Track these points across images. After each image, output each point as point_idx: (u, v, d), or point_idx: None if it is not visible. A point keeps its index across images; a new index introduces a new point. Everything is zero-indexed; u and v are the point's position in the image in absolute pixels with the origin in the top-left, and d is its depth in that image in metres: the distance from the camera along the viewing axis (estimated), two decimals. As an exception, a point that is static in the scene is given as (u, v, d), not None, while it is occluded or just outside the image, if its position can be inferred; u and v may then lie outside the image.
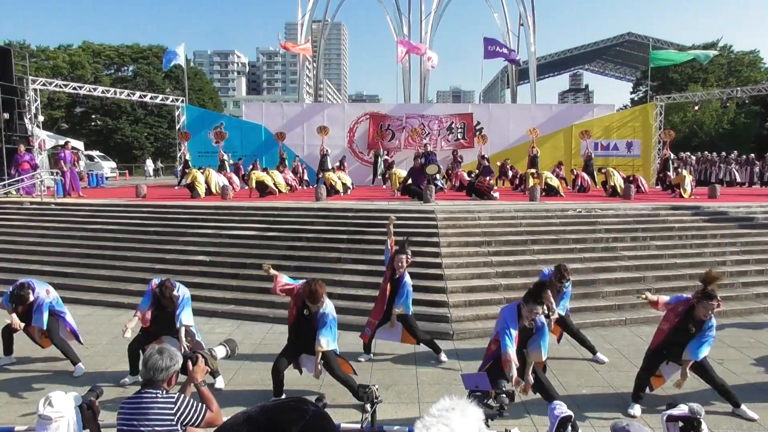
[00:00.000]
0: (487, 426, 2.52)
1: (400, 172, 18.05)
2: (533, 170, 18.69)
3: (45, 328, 6.62)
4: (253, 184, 16.91)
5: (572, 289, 7.44)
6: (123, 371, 6.58)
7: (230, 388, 6.23)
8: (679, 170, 18.01)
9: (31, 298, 6.55)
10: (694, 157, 28.07)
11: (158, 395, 3.09)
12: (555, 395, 5.19)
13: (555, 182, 17.64)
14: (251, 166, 20.08)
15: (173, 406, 3.08)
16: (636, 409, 5.65)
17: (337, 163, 21.93)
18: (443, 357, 7.15)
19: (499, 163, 21.93)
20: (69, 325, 6.96)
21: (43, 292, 6.71)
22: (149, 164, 41.05)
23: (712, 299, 5.32)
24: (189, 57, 30.53)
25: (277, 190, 17.33)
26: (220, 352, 3.57)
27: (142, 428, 3.00)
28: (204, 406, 3.26)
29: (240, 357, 7.17)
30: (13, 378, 6.57)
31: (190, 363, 3.34)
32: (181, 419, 3.08)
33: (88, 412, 3.04)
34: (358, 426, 3.64)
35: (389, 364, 7.09)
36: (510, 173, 21.47)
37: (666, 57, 26.71)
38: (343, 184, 18.46)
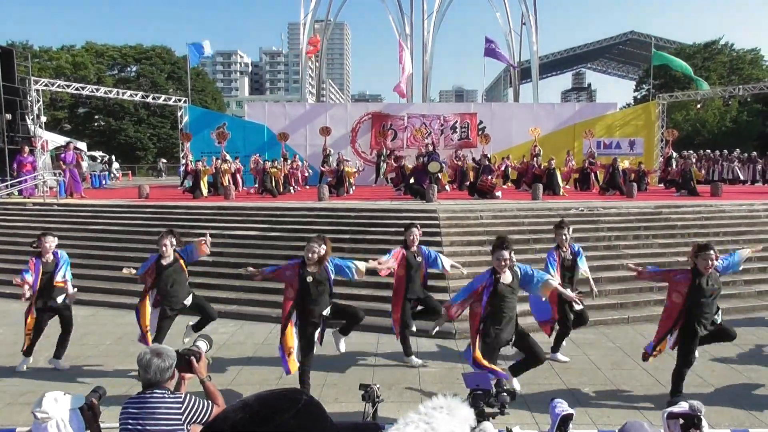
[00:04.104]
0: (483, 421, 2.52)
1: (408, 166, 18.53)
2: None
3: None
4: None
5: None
6: (126, 371, 6.61)
7: (233, 388, 6.25)
8: (687, 168, 18.10)
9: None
10: (695, 156, 28.01)
11: (165, 395, 3.11)
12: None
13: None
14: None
15: (181, 405, 3.10)
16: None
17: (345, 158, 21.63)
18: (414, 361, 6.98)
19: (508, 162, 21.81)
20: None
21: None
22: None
23: (708, 249, 5.60)
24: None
25: (276, 190, 17.43)
26: (203, 346, 3.61)
27: (149, 428, 3.01)
28: (210, 403, 3.28)
29: (243, 357, 7.21)
30: (15, 379, 6.60)
31: (194, 359, 3.37)
32: (188, 419, 3.10)
33: (88, 413, 3.05)
34: (351, 422, 3.64)
35: (392, 362, 7.09)
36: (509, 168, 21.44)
37: (668, 58, 26.74)
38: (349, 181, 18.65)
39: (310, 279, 5.80)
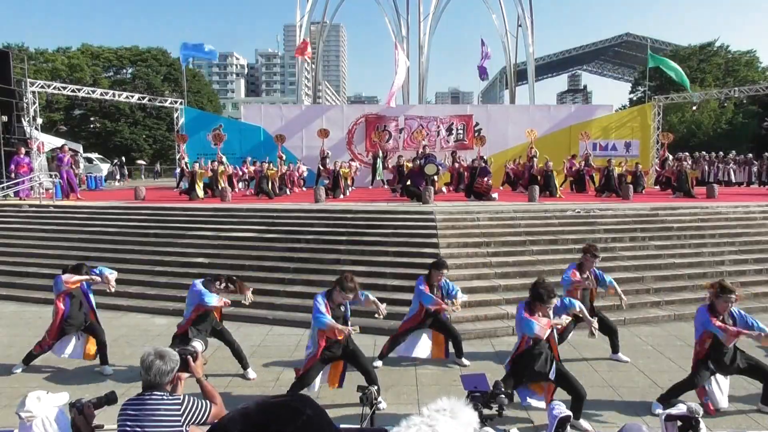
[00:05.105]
0: (485, 425, 2.52)
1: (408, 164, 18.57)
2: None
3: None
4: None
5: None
6: (122, 373, 6.59)
7: (229, 390, 6.23)
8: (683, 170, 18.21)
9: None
10: (691, 159, 28.09)
11: (164, 397, 3.11)
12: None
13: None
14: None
15: (180, 407, 3.11)
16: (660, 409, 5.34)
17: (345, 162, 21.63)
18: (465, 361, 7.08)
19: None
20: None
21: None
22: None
23: (730, 292, 5.45)
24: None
25: (272, 192, 17.42)
26: (199, 347, 3.61)
27: (147, 429, 3.01)
28: (208, 402, 3.28)
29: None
30: (12, 380, 6.57)
31: (191, 359, 3.37)
32: (188, 420, 3.10)
33: (79, 417, 3.03)
34: (357, 427, 3.65)
35: (389, 365, 7.08)
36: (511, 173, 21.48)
37: (663, 61, 26.87)
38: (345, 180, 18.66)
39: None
